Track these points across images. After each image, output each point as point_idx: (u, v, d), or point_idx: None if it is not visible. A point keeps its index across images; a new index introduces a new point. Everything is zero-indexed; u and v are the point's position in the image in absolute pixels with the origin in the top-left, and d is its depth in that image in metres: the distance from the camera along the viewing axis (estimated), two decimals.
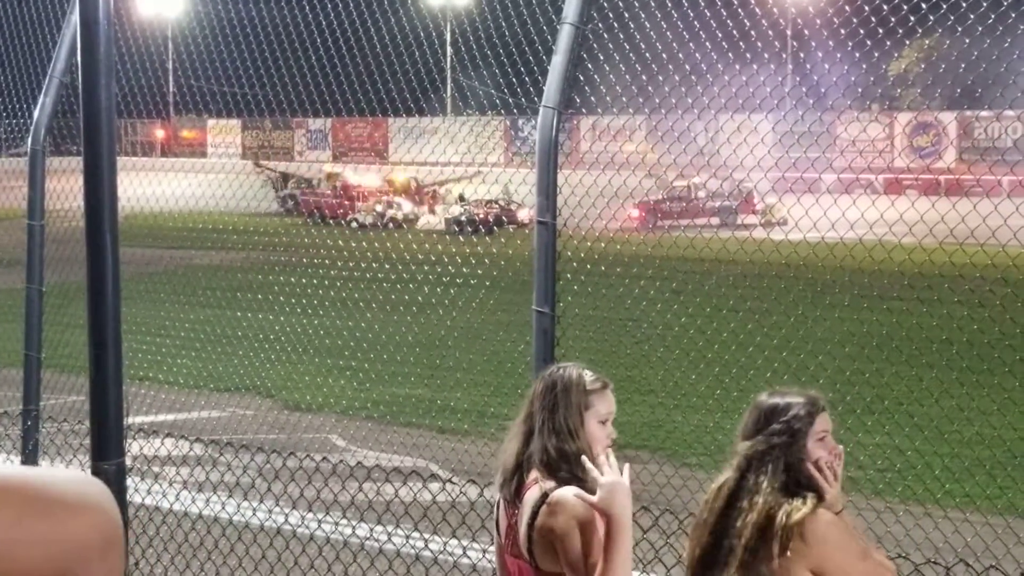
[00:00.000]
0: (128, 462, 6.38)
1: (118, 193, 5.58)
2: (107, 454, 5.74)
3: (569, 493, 4.12)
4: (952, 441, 12.20)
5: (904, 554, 6.93)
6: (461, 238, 22.88)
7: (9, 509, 1.36)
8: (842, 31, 7.79)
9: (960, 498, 10.83)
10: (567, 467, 4.18)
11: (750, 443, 4.16)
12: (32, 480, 1.40)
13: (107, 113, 5.40)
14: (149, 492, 9.88)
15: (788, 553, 3.97)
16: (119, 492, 5.88)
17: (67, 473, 1.44)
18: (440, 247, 17.44)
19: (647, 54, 8.04)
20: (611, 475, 4.04)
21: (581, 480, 4.16)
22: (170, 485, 11.27)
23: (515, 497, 4.28)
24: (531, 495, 4.19)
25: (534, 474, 4.23)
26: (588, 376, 4.34)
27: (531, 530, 4.15)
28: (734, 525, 4.08)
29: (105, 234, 5.48)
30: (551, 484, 4.16)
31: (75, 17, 6.07)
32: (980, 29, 7.41)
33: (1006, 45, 7.47)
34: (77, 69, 5.54)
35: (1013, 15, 7.17)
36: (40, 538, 1.35)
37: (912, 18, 7.29)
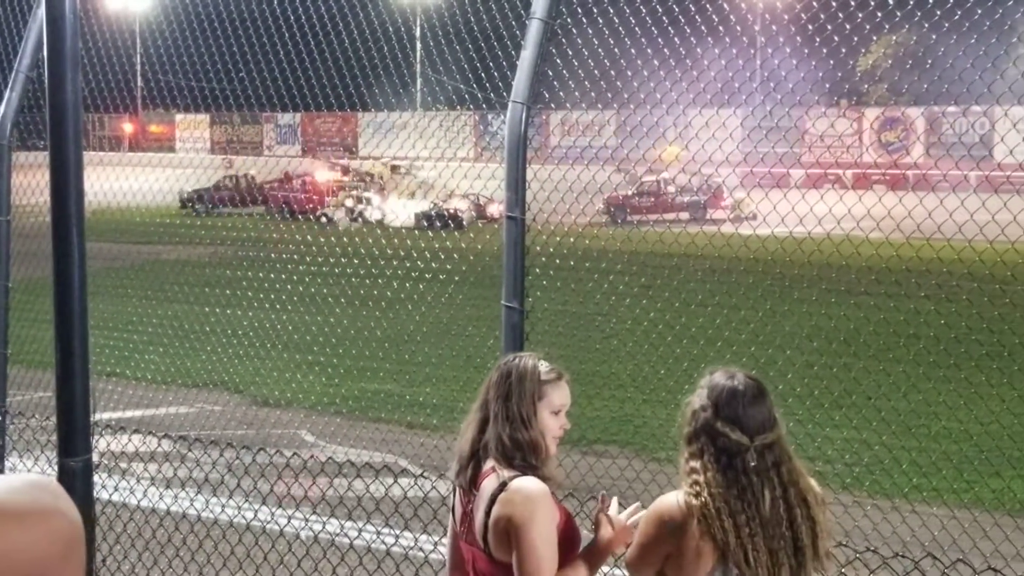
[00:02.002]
0: (95, 458, 6.35)
1: (85, 188, 5.56)
2: (74, 450, 5.72)
3: (529, 482, 4.16)
4: (919, 435, 12.27)
5: (872, 548, 6.96)
6: (430, 233, 22.87)
7: None
8: (810, 27, 7.82)
9: (927, 492, 10.89)
10: (521, 455, 4.23)
11: (769, 433, 3.94)
12: None
13: (73, 108, 5.37)
14: (116, 489, 9.84)
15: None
16: (86, 488, 5.85)
17: (18, 480, 1.40)
18: (409, 242, 17.41)
19: (616, 49, 8.05)
20: (624, 519, 4.38)
21: (535, 468, 4.22)
22: (138, 481, 11.24)
23: (471, 485, 4.31)
24: (488, 484, 4.22)
25: (490, 463, 4.27)
26: (543, 366, 4.38)
27: (487, 518, 4.18)
28: (795, 521, 3.91)
29: (72, 229, 5.45)
30: (509, 473, 4.20)
31: (41, 12, 6.04)
32: (946, 25, 7.45)
33: (972, 41, 7.52)
34: (43, 64, 5.51)
35: (979, 11, 7.21)
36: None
37: (879, 14, 7.32)
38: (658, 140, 9.12)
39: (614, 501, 4.46)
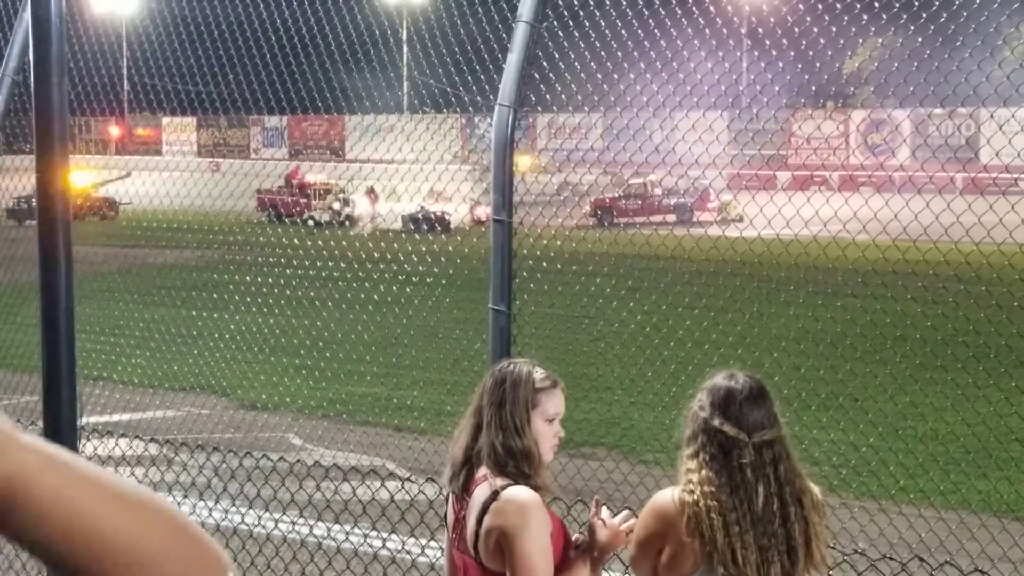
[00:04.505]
0: None
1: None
2: None
3: (521, 492, 4.13)
4: (907, 437, 12.27)
5: (860, 550, 6.97)
6: (417, 236, 22.86)
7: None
8: (796, 29, 7.83)
9: (915, 494, 10.90)
10: (514, 463, 4.18)
11: (768, 431, 4.00)
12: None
13: (59, 111, 5.36)
14: None
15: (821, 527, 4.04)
16: None
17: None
18: (396, 245, 17.40)
19: (602, 52, 8.06)
20: (617, 523, 4.33)
21: (528, 477, 4.18)
22: None
23: (463, 492, 4.29)
24: (480, 493, 4.19)
25: (483, 470, 4.23)
26: (538, 374, 4.32)
27: (479, 527, 4.15)
28: (788, 519, 3.94)
29: (58, 233, 5.44)
30: (501, 482, 4.16)
31: (27, 15, 6.02)
32: (933, 28, 7.46)
33: (958, 44, 7.54)
34: (29, 67, 5.50)
35: (965, 14, 7.23)
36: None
37: (865, 17, 7.33)
38: (645, 142, 9.13)
39: (604, 508, 4.45)
